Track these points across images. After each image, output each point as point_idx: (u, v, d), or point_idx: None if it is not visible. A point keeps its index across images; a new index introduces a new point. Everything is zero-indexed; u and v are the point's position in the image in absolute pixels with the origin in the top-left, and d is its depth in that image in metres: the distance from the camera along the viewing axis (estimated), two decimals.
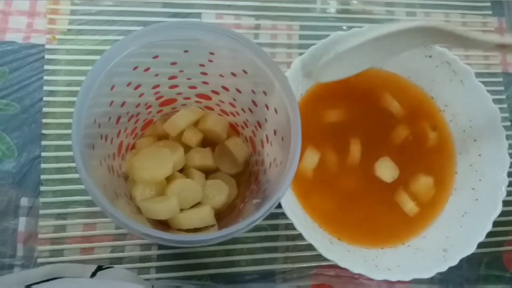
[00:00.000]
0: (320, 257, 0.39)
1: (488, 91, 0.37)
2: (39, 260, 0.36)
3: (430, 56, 0.38)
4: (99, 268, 0.30)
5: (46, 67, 0.39)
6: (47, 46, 0.40)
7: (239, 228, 0.23)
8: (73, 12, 0.41)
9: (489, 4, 0.48)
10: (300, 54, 0.43)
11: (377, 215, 0.38)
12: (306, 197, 0.37)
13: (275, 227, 0.39)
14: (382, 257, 0.36)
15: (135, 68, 0.28)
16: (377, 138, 0.39)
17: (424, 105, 0.40)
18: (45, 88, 0.39)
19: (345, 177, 0.38)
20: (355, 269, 0.33)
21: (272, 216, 0.39)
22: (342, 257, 0.33)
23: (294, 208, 0.35)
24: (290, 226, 0.39)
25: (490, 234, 0.35)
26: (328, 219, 0.37)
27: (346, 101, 0.39)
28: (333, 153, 0.38)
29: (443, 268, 0.34)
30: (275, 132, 0.30)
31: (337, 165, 0.38)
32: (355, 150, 0.38)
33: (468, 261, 0.40)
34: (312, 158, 0.37)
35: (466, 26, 0.47)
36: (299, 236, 0.39)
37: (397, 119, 0.39)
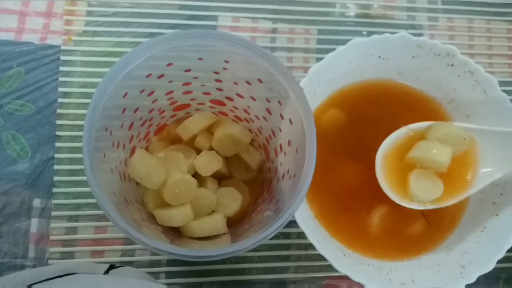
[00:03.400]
0: (332, 268, 0.38)
1: None
2: (50, 262, 0.36)
3: (453, 65, 0.37)
4: (112, 267, 0.30)
5: (61, 68, 0.39)
6: (63, 47, 0.40)
7: (248, 244, 0.23)
8: (89, 14, 0.40)
9: None
10: (318, 58, 0.42)
11: (392, 227, 0.37)
12: (320, 207, 0.36)
13: (287, 236, 0.39)
14: (396, 271, 0.35)
15: (149, 75, 0.27)
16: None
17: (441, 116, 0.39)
18: (60, 89, 0.39)
19: (361, 188, 0.37)
20: (368, 283, 0.32)
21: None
22: (355, 270, 0.33)
23: (307, 218, 0.34)
24: (303, 235, 0.38)
25: (509, 249, 0.34)
26: (342, 230, 0.36)
27: (364, 111, 0.38)
28: (349, 163, 0.37)
29: (460, 285, 0.33)
30: (289, 142, 0.29)
31: (353, 175, 0.37)
32: (372, 160, 0.37)
33: (486, 277, 0.39)
34: (328, 169, 0.36)
35: (490, 33, 0.46)
36: (311, 246, 0.38)
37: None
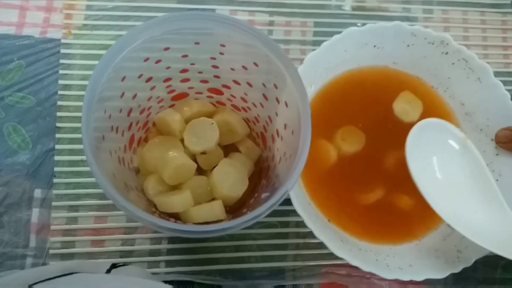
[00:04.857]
0: (330, 256, 0.38)
1: (507, 90, 0.37)
2: (51, 251, 0.36)
3: (447, 53, 0.37)
4: (114, 266, 0.31)
5: (61, 61, 0.40)
6: (63, 41, 0.40)
7: (248, 218, 0.23)
8: (89, 8, 0.41)
9: (509, 1, 0.47)
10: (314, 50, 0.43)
11: (389, 211, 0.37)
12: (317, 193, 0.36)
13: (286, 225, 0.39)
14: (394, 256, 0.35)
15: (146, 60, 0.28)
16: (388, 134, 0.38)
17: (437, 103, 0.40)
18: (60, 82, 0.39)
19: (357, 173, 0.38)
20: (366, 267, 0.32)
21: (283, 213, 0.39)
22: (353, 255, 0.33)
23: (305, 205, 0.34)
24: (301, 224, 0.39)
25: None
26: (339, 215, 0.36)
27: (360, 98, 0.39)
28: (346, 149, 0.38)
29: (457, 269, 0.33)
30: (285, 126, 0.29)
31: (349, 161, 0.38)
32: (367, 146, 0.38)
33: (484, 264, 0.39)
34: (324, 153, 0.37)
35: (485, 24, 0.46)
36: (310, 234, 0.39)
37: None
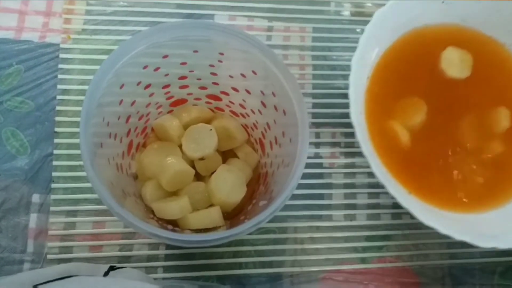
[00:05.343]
0: (328, 261, 0.39)
1: None
2: (48, 257, 0.36)
3: None
4: (112, 268, 0.30)
5: (60, 66, 0.40)
6: (62, 46, 0.40)
7: (245, 228, 0.23)
8: (88, 12, 0.41)
9: None
10: (313, 56, 0.43)
11: (470, 178, 0.36)
12: (395, 169, 0.35)
13: (284, 230, 0.39)
14: (482, 224, 0.33)
15: (145, 67, 0.28)
16: (463, 98, 0.37)
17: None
18: (59, 86, 0.39)
19: (430, 144, 0.36)
20: (459, 236, 0.30)
21: (281, 219, 0.39)
22: (442, 224, 0.30)
23: (385, 177, 0.32)
24: (299, 230, 0.39)
25: None
26: (420, 186, 0.34)
27: (421, 61, 0.37)
28: (410, 123, 0.36)
29: None
30: (283, 133, 0.29)
31: (419, 132, 0.36)
32: (431, 113, 0.36)
33: (481, 270, 0.39)
34: (394, 133, 0.36)
35: None
36: (308, 240, 0.39)
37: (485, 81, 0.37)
